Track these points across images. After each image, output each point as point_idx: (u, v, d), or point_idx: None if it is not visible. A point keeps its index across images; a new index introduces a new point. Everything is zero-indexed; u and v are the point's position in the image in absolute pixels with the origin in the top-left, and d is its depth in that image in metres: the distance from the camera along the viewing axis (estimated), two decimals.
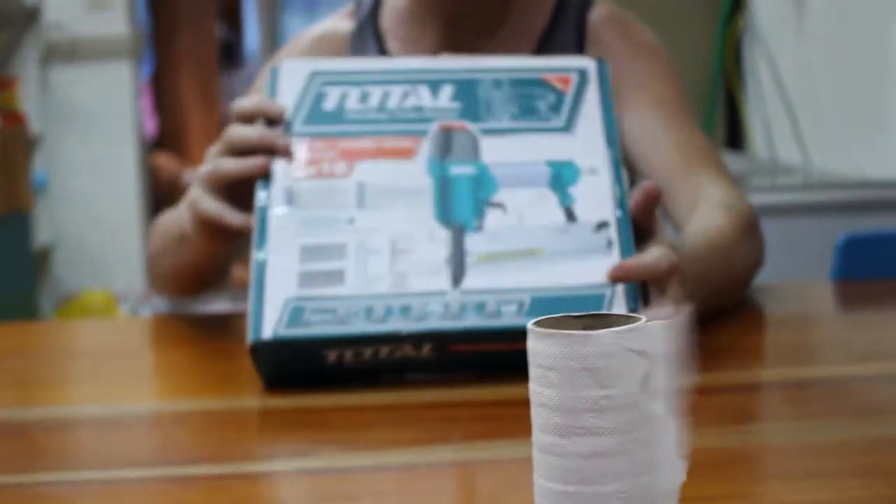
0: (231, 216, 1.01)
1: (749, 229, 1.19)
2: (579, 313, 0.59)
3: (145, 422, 0.89)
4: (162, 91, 6.24)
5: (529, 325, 0.57)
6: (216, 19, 6.59)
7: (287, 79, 1.06)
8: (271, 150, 1.00)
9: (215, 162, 1.03)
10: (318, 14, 10.15)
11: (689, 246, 1.06)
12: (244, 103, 1.04)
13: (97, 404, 0.93)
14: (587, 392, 0.55)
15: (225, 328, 1.20)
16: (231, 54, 7.25)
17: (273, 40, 9.89)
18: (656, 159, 1.28)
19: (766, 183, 2.49)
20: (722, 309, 1.12)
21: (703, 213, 1.17)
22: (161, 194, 5.51)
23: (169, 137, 6.25)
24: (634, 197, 0.96)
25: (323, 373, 0.93)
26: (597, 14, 1.37)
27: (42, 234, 4.40)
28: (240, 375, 0.97)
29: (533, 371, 0.57)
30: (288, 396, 0.91)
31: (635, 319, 0.57)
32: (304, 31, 1.46)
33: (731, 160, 3.01)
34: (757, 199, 2.06)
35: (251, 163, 1.00)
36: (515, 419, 0.81)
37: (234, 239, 1.06)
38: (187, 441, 0.83)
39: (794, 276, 1.85)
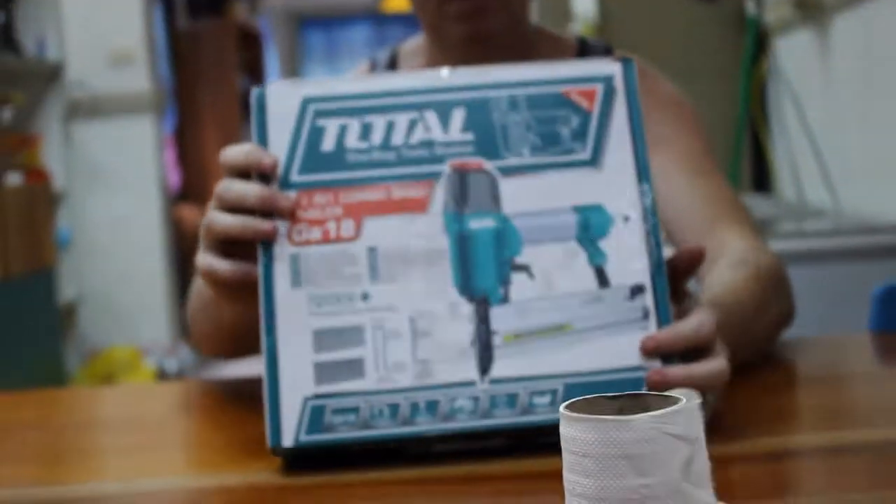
0: (222, 269, 0.93)
1: (775, 283, 1.15)
2: (613, 395, 0.56)
3: (163, 501, 0.86)
4: (185, 144, 6.26)
5: (562, 408, 0.54)
6: (238, 72, 6.61)
7: (276, 106, 0.94)
8: (271, 213, 0.91)
9: (211, 216, 0.94)
10: (338, 64, 10.22)
11: (714, 302, 1.02)
12: (234, 154, 0.93)
13: (115, 482, 0.90)
14: (626, 481, 0.51)
15: (252, 392, 1.17)
16: None
17: None
18: (681, 216, 1.25)
19: (795, 228, 2.46)
20: (745, 364, 1.08)
21: (725, 268, 1.13)
22: (186, 247, 5.51)
23: (193, 189, 6.26)
24: (678, 256, 0.91)
25: (346, 456, 0.89)
26: None
27: (67, 290, 4.39)
28: (263, 444, 0.94)
29: (567, 458, 0.54)
30: (309, 471, 0.87)
31: (673, 400, 0.54)
32: None
33: (759, 203, 2.98)
34: (786, 245, 2.03)
35: (251, 227, 0.90)
36: (550, 494, 0.78)
37: (245, 294, 0.95)
38: None
39: (828, 325, 1.81)
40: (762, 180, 3.32)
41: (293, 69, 10.01)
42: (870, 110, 2.51)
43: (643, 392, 0.56)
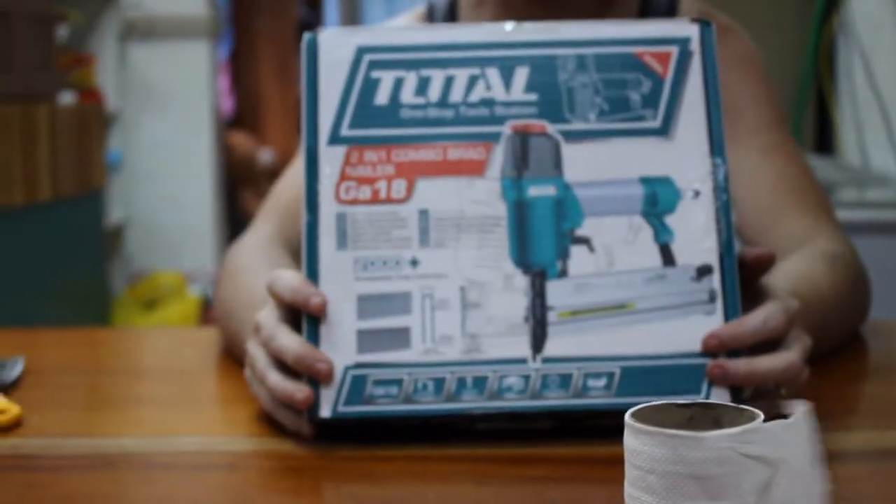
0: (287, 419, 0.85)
1: (855, 282, 1.09)
2: (684, 400, 0.51)
3: (193, 464, 0.82)
4: (240, 70, 6.22)
5: (627, 417, 0.49)
6: (297, 0, 6.55)
7: (328, 55, 0.88)
8: (311, 372, 0.82)
9: (252, 361, 0.86)
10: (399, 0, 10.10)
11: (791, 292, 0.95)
12: (282, 287, 0.84)
13: (147, 438, 0.87)
14: (695, 503, 0.47)
15: None
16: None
17: (353, 21, 9.85)
18: (750, 198, 1.18)
19: (857, 197, 2.38)
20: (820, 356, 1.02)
21: (804, 261, 1.05)
22: (235, 173, 5.49)
23: (245, 116, 6.23)
24: (744, 258, 0.85)
25: (387, 429, 0.84)
26: (684, 16, 1.28)
27: (115, 211, 4.38)
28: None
29: (630, 472, 0.49)
30: (346, 442, 0.83)
31: (751, 415, 0.49)
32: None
33: (820, 165, 2.89)
34: (847, 214, 1.96)
35: (287, 396, 0.82)
36: (601, 484, 0.74)
37: None
38: (237, 491, 0.76)
39: (891, 298, 1.75)
40: (825, 141, 3.23)
41: (352, 1, 9.91)
42: None
43: (717, 402, 0.51)
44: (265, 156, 5.88)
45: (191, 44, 4.72)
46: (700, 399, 0.51)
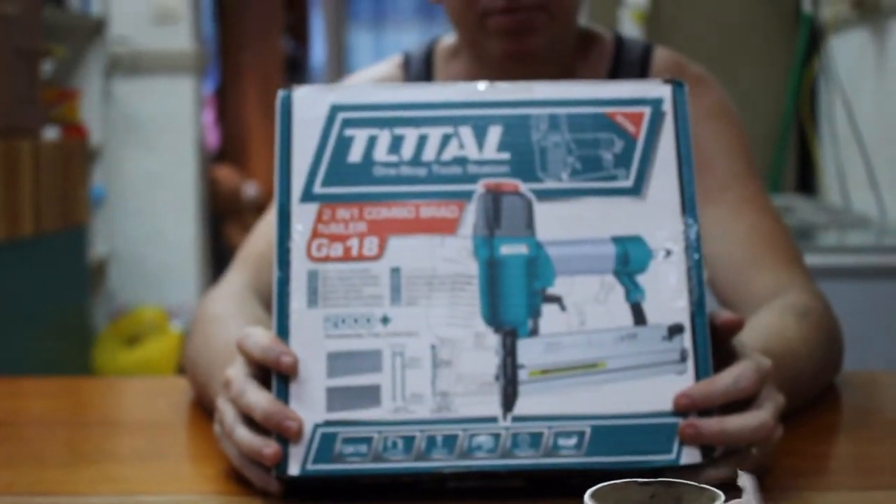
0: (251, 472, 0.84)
1: (827, 337, 1.09)
2: (645, 480, 0.51)
3: None
4: (226, 103, 6.23)
5: (587, 497, 0.49)
6: (283, 33, 6.57)
7: (302, 112, 0.89)
8: (279, 430, 0.82)
9: (221, 416, 0.86)
10: (384, 29, 10.15)
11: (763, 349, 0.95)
12: (252, 345, 0.84)
13: (114, 496, 0.86)
14: None
15: None
16: (296, 68, 7.24)
17: (339, 55, 9.88)
18: (723, 251, 1.18)
19: (837, 241, 2.39)
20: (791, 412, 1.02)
21: (775, 316, 1.05)
22: (220, 207, 5.49)
23: (231, 150, 6.24)
24: (713, 321, 0.85)
25: (356, 488, 0.84)
26: (656, 71, 1.29)
27: (98, 246, 4.37)
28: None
29: None
30: (315, 501, 0.83)
31: (712, 496, 0.49)
32: (354, 76, 1.39)
33: (802, 206, 2.91)
34: (826, 259, 1.97)
35: (254, 452, 0.82)
36: None
37: None
38: None
39: (868, 346, 1.75)
40: (807, 181, 3.25)
41: (339, 33, 9.95)
42: None
43: (679, 481, 0.51)
44: (250, 190, 5.88)
45: (176, 78, 4.72)
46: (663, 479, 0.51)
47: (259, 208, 5.90)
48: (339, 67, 9.93)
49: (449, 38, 1.35)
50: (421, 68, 1.33)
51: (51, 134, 3.68)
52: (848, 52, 2.99)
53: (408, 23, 10.10)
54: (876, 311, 1.94)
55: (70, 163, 3.66)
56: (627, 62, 1.30)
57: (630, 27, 3.31)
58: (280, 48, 6.48)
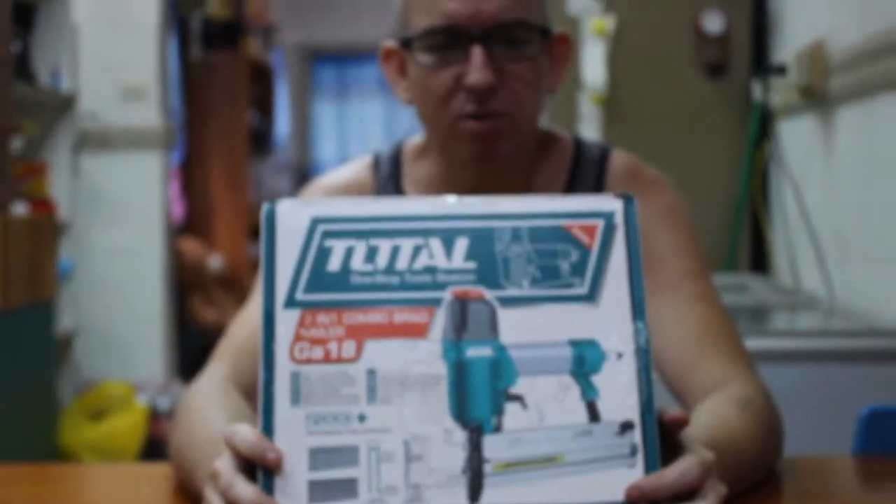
0: None
1: (768, 427, 1.17)
2: None
3: None
4: (191, 175, 6.29)
5: None
6: (248, 106, 6.65)
7: (285, 226, 0.96)
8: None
9: None
10: (348, 102, 10.27)
11: (707, 439, 1.04)
12: (239, 441, 0.91)
13: None
14: None
15: None
16: (261, 141, 7.32)
17: (303, 126, 10.00)
18: (673, 343, 1.27)
19: (786, 325, 2.48)
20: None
21: (718, 407, 1.14)
22: (185, 279, 5.52)
23: (196, 222, 6.28)
24: (661, 418, 0.93)
25: None
26: (613, 175, 1.38)
27: (65, 320, 4.41)
28: None
29: None
30: None
31: None
32: (323, 178, 1.46)
33: (755, 284, 3.01)
34: (776, 343, 2.06)
35: None
36: None
37: None
38: None
39: (817, 429, 1.83)
40: (759, 261, 3.35)
41: (303, 105, 10.07)
42: (868, 202, 2.54)
43: None
44: (214, 262, 5.94)
45: (144, 153, 4.80)
46: None
47: (223, 281, 5.96)
48: (304, 138, 10.05)
49: (416, 139, 1.44)
50: (390, 169, 1.42)
51: (19, 209, 3.73)
52: (797, 137, 3.11)
53: (370, 94, 10.24)
54: (822, 395, 2.03)
55: (39, 238, 3.70)
56: (586, 164, 1.39)
57: (588, 110, 3.43)
58: (245, 121, 6.55)
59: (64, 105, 4.51)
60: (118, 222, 4.71)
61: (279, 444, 0.91)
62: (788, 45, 3.19)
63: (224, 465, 0.92)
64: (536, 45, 1.30)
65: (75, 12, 4.51)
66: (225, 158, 6.44)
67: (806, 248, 2.95)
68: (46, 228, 3.81)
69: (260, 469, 0.90)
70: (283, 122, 8.42)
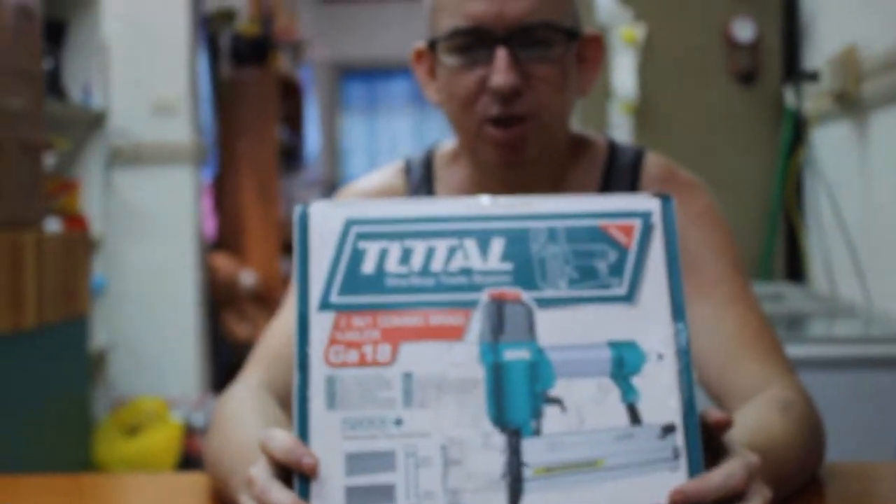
0: None
1: (809, 430, 1.15)
2: None
3: None
4: (223, 191, 6.31)
5: None
6: (278, 122, 6.68)
7: (319, 228, 0.95)
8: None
9: None
10: (377, 117, 10.29)
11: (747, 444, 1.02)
12: (275, 446, 0.90)
13: None
14: None
15: None
16: (291, 156, 7.34)
17: (333, 141, 10.01)
18: (711, 346, 1.25)
19: (824, 332, 2.45)
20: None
21: (759, 410, 1.12)
22: (218, 295, 5.54)
23: (228, 237, 6.31)
24: (705, 420, 0.92)
25: None
26: (648, 178, 1.36)
27: (98, 336, 4.42)
28: None
29: None
30: None
31: None
32: (356, 183, 1.46)
33: (791, 293, 2.98)
34: (815, 350, 2.04)
35: None
36: None
37: None
38: None
39: (856, 435, 1.81)
40: (795, 270, 3.32)
41: (333, 120, 10.09)
42: None
43: None
44: (247, 278, 5.94)
45: (175, 169, 4.81)
46: None
47: (256, 297, 5.96)
48: (334, 154, 10.08)
49: (447, 144, 1.43)
50: (422, 174, 1.41)
51: (51, 225, 3.75)
52: (831, 144, 3.08)
53: (400, 109, 10.26)
54: (863, 402, 2.00)
55: (72, 254, 3.72)
56: (620, 167, 1.38)
57: (619, 119, 3.41)
58: (276, 137, 6.58)
59: (95, 121, 4.53)
60: (151, 238, 4.73)
61: (315, 450, 0.89)
62: (820, 51, 3.17)
63: (259, 471, 0.91)
64: (562, 46, 1.29)
65: (105, 29, 4.53)
66: (256, 174, 6.46)
67: (842, 256, 2.92)
68: (80, 245, 3.82)
69: (296, 475, 0.89)
70: (313, 138, 8.44)
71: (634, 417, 0.91)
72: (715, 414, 0.92)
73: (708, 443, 0.92)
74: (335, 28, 9.77)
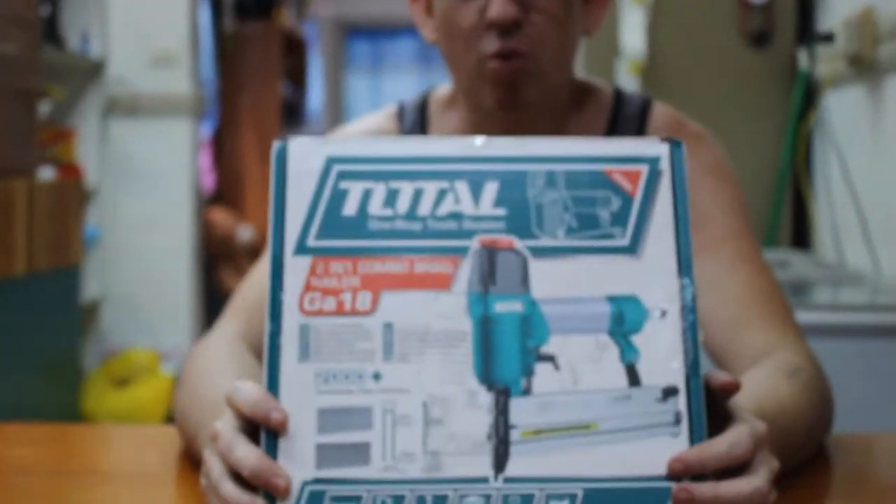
0: None
1: (818, 398, 1.08)
2: None
3: None
4: (223, 146, 6.24)
5: None
6: (281, 78, 6.59)
7: (297, 164, 0.87)
8: (267, 487, 0.80)
9: (208, 471, 0.83)
10: (382, 76, 10.19)
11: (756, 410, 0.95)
12: (241, 399, 0.82)
13: None
14: None
15: None
16: (294, 112, 7.25)
17: (337, 99, 9.92)
18: (716, 308, 1.18)
19: (830, 299, 2.38)
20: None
21: (766, 375, 1.05)
22: (214, 250, 5.48)
23: (227, 192, 6.24)
24: (708, 383, 0.84)
25: None
26: (654, 128, 1.29)
27: (91, 287, 4.36)
28: None
29: None
30: None
31: None
32: (345, 127, 1.38)
33: (796, 260, 2.91)
34: (819, 317, 1.97)
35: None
36: None
37: None
38: None
39: (862, 403, 1.74)
40: (801, 236, 3.25)
41: (336, 78, 9.99)
42: None
43: None
44: (245, 233, 5.88)
45: (174, 121, 4.74)
46: None
47: (254, 252, 5.90)
48: (337, 112, 9.98)
49: (444, 88, 1.36)
50: (415, 119, 1.33)
51: (46, 174, 3.69)
52: (843, 108, 3.00)
53: (405, 68, 10.16)
54: (869, 370, 1.94)
55: (65, 203, 3.65)
56: (625, 116, 1.30)
57: (626, 78, 3.32)
58: (278, 92, 6.49)
59: (93, 70, 4.45)
60: (146, 190, 4.66)
61: (285, 404, 0.82)
62: (835, 12, 3.08)
63: (225, 425, 0.84)
64: None
65: None
66: (257, 129, 6.38)
67: (851, 223, 2.84)
68: (73, 193, 3.75)
69: (263, 430, 0.82)
70: (316, 95, 8.35)
71: (633, 378, 0.84)
72: (720, 377, 0.84)
73: (711, 408, 0.84)
74: None
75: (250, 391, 0.83)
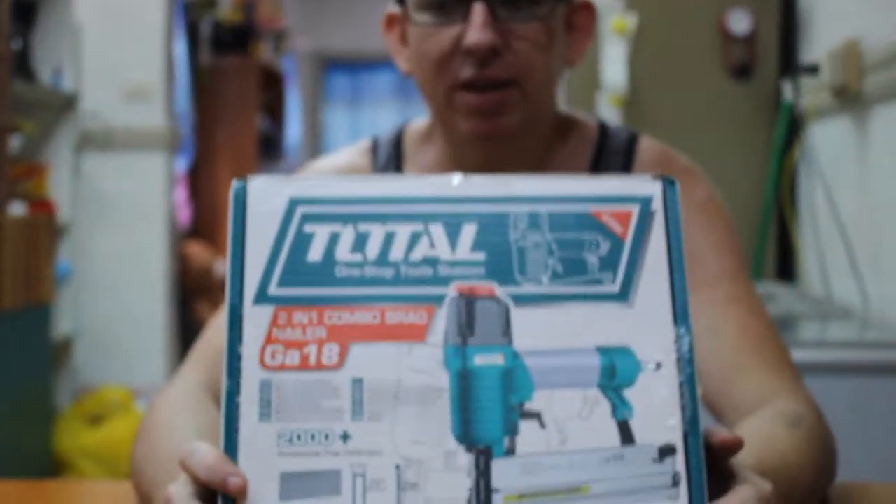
0: None
1: (821, 448, 1.01)
2: None
3: None
4: (199, 180, 6.18)
5: None
6: (259, 111, 6.54)
7: (258, 205, 0.80)
8: None
9: None
10: (361, 110, 10.14)
11: (757, 465, 0.88)
12: (196, 463, 0.75)
13: None
14: None
15: None
16: (271, 146, 7.20)
17: (315, 133, 9.86)
18: (711, 353, 1.11)
19: (817, 336, 2.32)
20: None
21: (766, 426, 0.98)
22: (191, 284, 5.41)
23: (203, 226, 6.17)
24: (708, 440, 0.77)
25: None
26: (642, 163, 1.23)
27: (63, 323, 4.28)
28: None
29: None
30: None
31: None
32: (315, 163, 1.30)
33: (782, 294, 2.85)
34: (806, 355, 1.91)
35: None
36: None
37: None
38: None
39: (852, 443, 1.68)
40: (787, 269, 3.19)
41: (315, 112, 9.94)
42: None
43: None
44: (222, 267, 5.80)
45: (148, 155, 4.68)
46: None
47: None
48: (316, 145, 9.91)
49: (420, 121, 1.29)
50: (390, 153, 1.27)
51: (17, 209, 3.61)
52: (829, 140, 2.95)
53: (384, 102, 10.10)
54: (859, 410, 1.88)
55: (36, 239, 3.58)
56: (611, 150, 1.24)
57: (608, 111, 3.27)
58: (255, 126, 6.45)
59: (66, 105, 4.38)
60: (120, 224, 4.59)
61: (244, 468, 0.75)
62: (819, 44, 3.04)
63: (179, 491, 0.76)
64: (549, 6, 1.14)
65: (78, 11, 4.38)
66: (234, 163, 6.33)
67: (838, 256, 2.79)
68: (44, 229, 3.68)
69: (221, 497, 0.75)
70: (294, 128, 8.30)
71: (627, 436, 0.77)
72: (721, 434, 0.78)
73: (712, 466, 0.77)
74: (319, 19, 9.61)
75: (206, 454, 0.75)
